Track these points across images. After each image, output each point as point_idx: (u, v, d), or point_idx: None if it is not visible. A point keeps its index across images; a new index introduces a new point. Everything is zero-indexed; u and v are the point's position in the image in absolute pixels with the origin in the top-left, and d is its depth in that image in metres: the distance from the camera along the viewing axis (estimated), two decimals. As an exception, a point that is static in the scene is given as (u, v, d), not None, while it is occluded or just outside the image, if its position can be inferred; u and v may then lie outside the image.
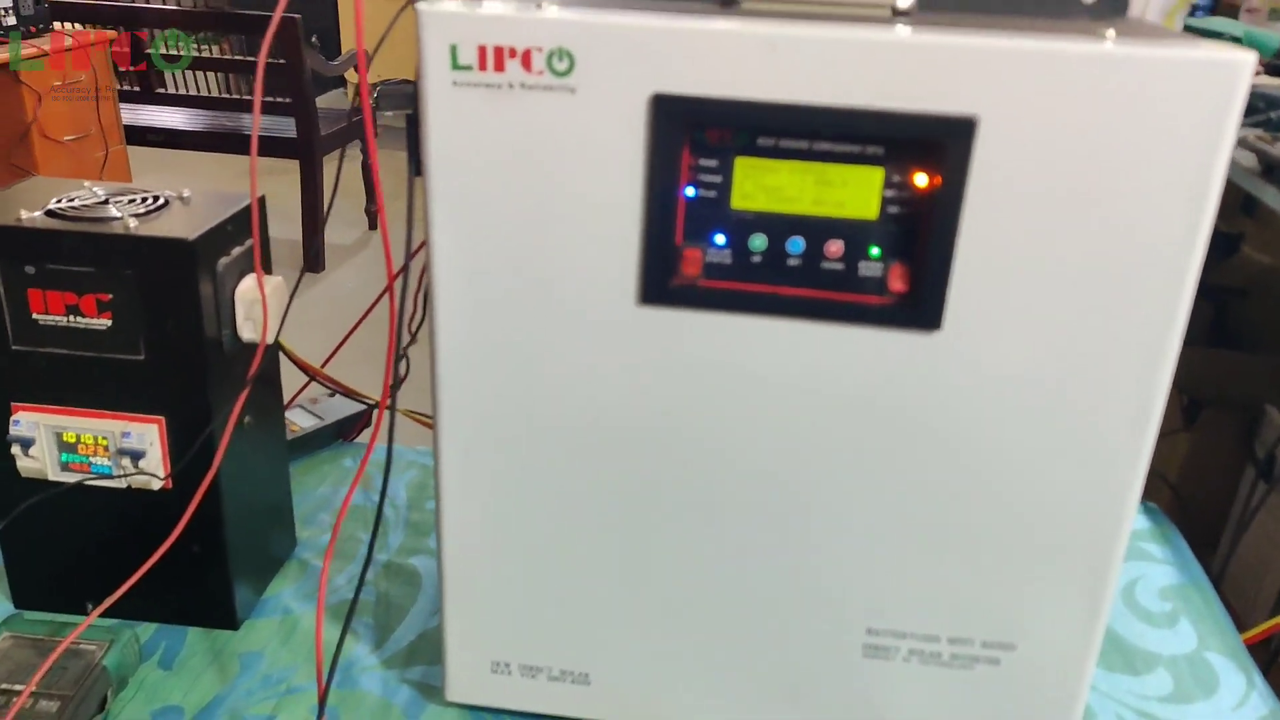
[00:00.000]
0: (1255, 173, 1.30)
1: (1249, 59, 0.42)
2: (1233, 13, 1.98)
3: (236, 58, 3.48)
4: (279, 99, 3.22)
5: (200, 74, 3.35)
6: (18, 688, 0.54)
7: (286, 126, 3.24)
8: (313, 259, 3.28)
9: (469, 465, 0.55)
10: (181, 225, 0.59)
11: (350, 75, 3.68)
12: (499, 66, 0.46)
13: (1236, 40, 1.37)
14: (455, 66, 0.46)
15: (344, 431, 0.91)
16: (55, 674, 0.56)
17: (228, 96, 3.57)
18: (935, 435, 0.51)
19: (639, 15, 0.45)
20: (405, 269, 0.53)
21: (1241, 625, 0.77)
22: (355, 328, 0.77)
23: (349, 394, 0.85)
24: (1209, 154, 0.43)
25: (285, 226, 3.34)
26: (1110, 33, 0.44)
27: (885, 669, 0.57)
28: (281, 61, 3.06)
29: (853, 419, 0.51)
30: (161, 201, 0.62)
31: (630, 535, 0.55)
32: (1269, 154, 1.23)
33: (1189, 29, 1.36)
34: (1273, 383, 1.53)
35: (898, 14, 0.49)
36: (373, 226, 3.58)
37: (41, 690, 0.54)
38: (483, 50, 0.46)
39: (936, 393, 0.50)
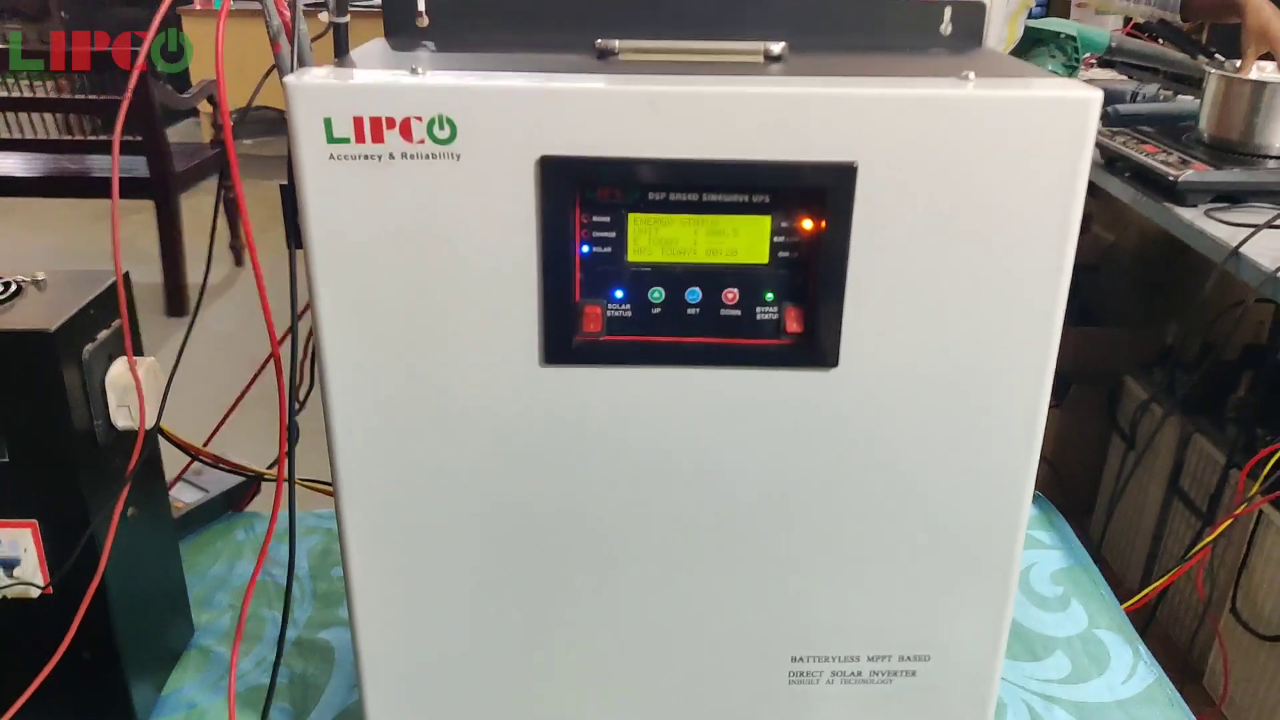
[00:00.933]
0: (1098, 164, 1.39)
1: (1097, 95, 0.45)
2: (1065, 11, 2.11)
3: (78, 97, 3.27)
4: (127, 137, 3.05)
5: (34, 115, 3.12)
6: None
7: (137, 165, 3.07)
8: (177, 303, 3.11)
9: (375, 537, 0.53)
10: (38, 314, 0.55)
11: (204, 106, 3.52)
12: (377, 137, 0.45)
13: (1071, 38, 1.46)
14: (331, 140, 0.45)
15: (233, 501, 0.87)
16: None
17: (69, 138, 3.35)
18: (840, 467, 0.52)
19: (519, 77, 0.45)
20: (292, 335, 0.51)
21: (1120, 583, 0.82)
22: (237, 402, 0.74)
23: (236, 470, 0.81)
24: (1070, 180, 0.46)
25: (143, 269, 3.16)
26: (971, 74, 0.46)
27: (809, 693, 0.58)
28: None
29: (760, 458, 0.52)
30: (14, 289, 0.58)
31: (550, 587, 0.55)
32: (1109, 147, 1.31)
33: (1029, 30, 1.44)
34: (1129, 354, 1.64)
35: (770, 59, 0.51)
36: (239, 263, 3.44)
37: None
38: (359, 121, 0.45)
39: (838, 426, 0.51)
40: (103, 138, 3.08)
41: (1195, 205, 1.12)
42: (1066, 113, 0.45)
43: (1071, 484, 1.73)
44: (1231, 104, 1.19)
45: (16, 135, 3.14)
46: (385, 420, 0.51)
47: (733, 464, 0.52)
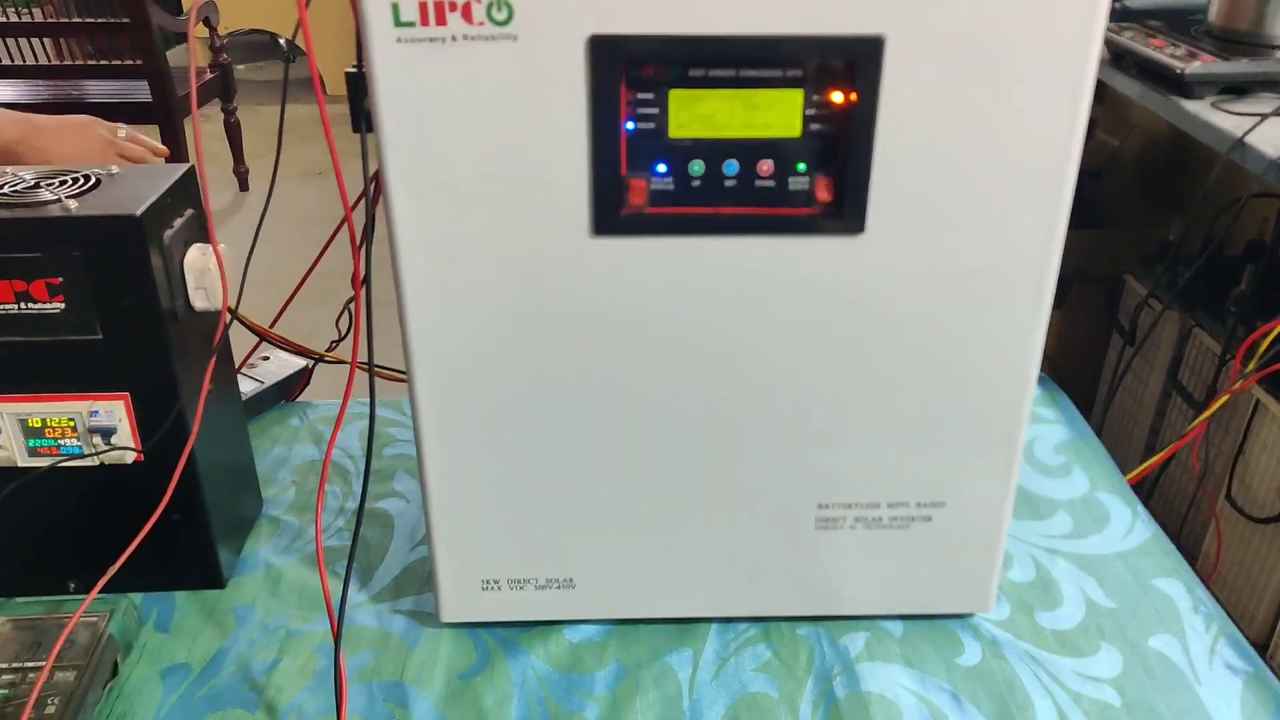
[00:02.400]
0: (1105, 61, 1.41)
1: (1108, -36, 0.48)
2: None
3: (76, 20, 3.24)
4: (125, 61, 3.03)
5: (25, 41, 3.09)
6: (30, 664, 0.56)
7: (136, 90, 3.06)
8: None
9: (445, 402, 0.58)
10: (123, 201, 0.59)
11: (199, 29, 3.48)
12: (440, 20, 0.49)
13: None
14: (398, 24, 0.49)
15: (285, 392, 0.92)
16: (64, 648, 0.58)
17: (66, 64, 3.34)
18: (866, 326, 0.57)
19: (569, -39, 0.48)
20: (369, 236, 0.55)
21: (1122, 469, 0.88)
22: (302, 283, 0.79)
23: (300, 352, 0.87)
24: (1083, 47, 0.49)
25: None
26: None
27: (834, 538, 0.64)
28: (124, 21, 2.88)
29: (792, 319, 0.57)
30: (93, 180, 0.62)
31: (599, 446, 0.60)
32: (1117, 42, 1.33)
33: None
34: (1130, 254, 1.68)
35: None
36: (244, 188, 3.45)
37: (56, 663, 0.56)
38: (424, 6, 0.48)
39: (865, 289, 0.56)
40: (100, 62, 3.06)
41: (1202, 98, 1.15)
42: (1078, -15, 0.48)
43: (1073, 380, 1.78)
44: (1240, -5, 1.20)
45: (10, 63, 3.12)
46: (451, 290, 0.55)
47: (766, 327, 0.57)
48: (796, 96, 0.52)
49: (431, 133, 0.51)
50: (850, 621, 0.67)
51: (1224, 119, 1.09)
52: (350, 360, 0.59)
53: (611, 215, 0.53)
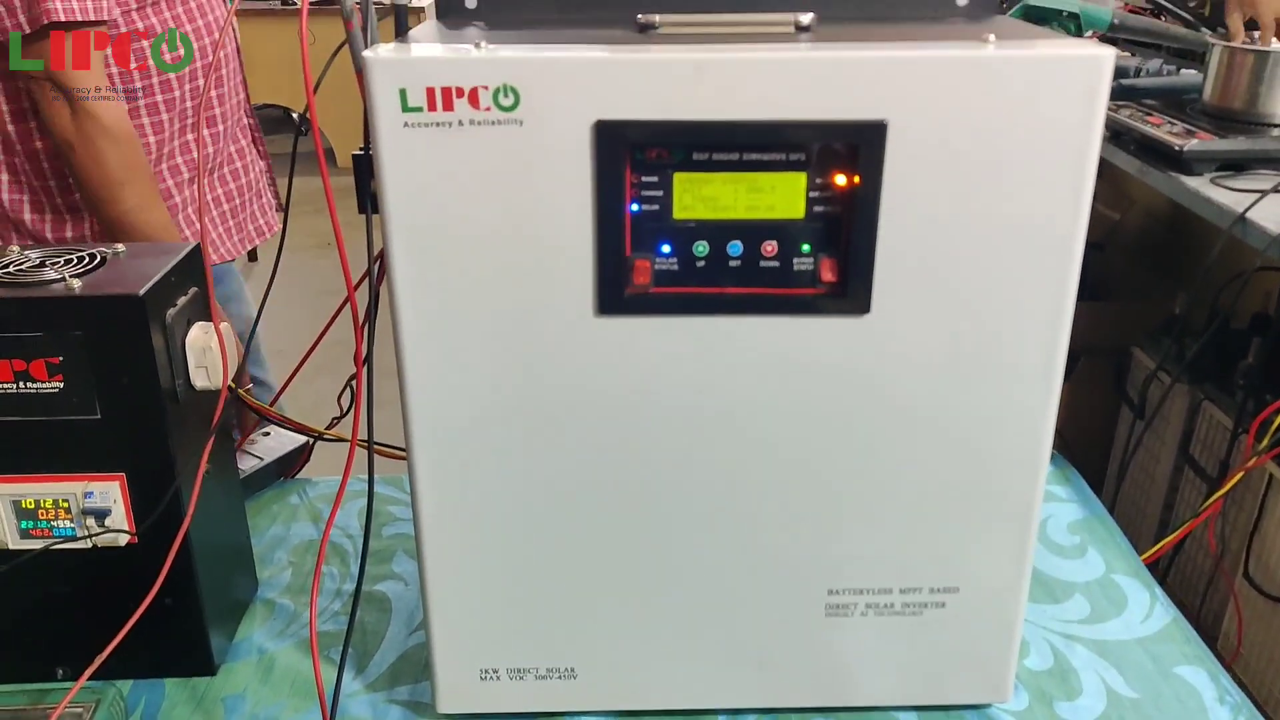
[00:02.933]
0: (1104, 137, 1.42)
1: (1110, 53, 0.49)
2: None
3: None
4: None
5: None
6: (11, 759, 0.54)
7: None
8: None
9: (445, 483, 0.57)
10: (127, 280, 0.59)
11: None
12: (448, 106, 0.49)
13: (1074, 15, 1.49)
14: (406, 109, 0.49)
15: (285, 469, 0.91)
16: (47, 741, 0.56)
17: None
18: (873, 407, 0.56)
19: (575, 49, 0.49)
20: (372, 314, 0.55)
21: (1137, 549, 0.86)
22: (305, 359, 0.78)
23: (300, 430, 0.86)
24: (1085, 132, 0.50)
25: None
26: (991, 37, 0.50)
27: (845, 625, 0.62)
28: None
29: (798, 400, 0.56)
30: (98, 259, 0.62)
31: (603, 530, 0.59)
32: (1115, 120, 1.35)
33: (1031, 8, 1.47)
34: (1136, 326, 1.68)
35: (801, 29, 0.55)
36: (253, 259, 3.48)
37: (37, 758, 0.54)
38: (430, 92, 0.49)
39: (871, 369, 0.55)
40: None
41: (1201, 174, 1.16)
42: (1081, 70, 0.48)
43: (1082, 457, 1.76)
44: (1235, 74, 1.23)
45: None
46: (455, 371, 0.55)
47: (772, 407, 0.56)
48: (800, 179, 0.52)
49: (436, 214, 0.51)
50: (862, 713, 0.65)
51: (1224, 195, 1.09)
52: (350, 438, 0.58)
53: (616, 295, 0.53)
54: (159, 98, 1.06)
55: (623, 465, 0.57)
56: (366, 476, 0.61)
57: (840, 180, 0.52)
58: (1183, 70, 1.56)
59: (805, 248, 0.53)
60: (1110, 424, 1.72)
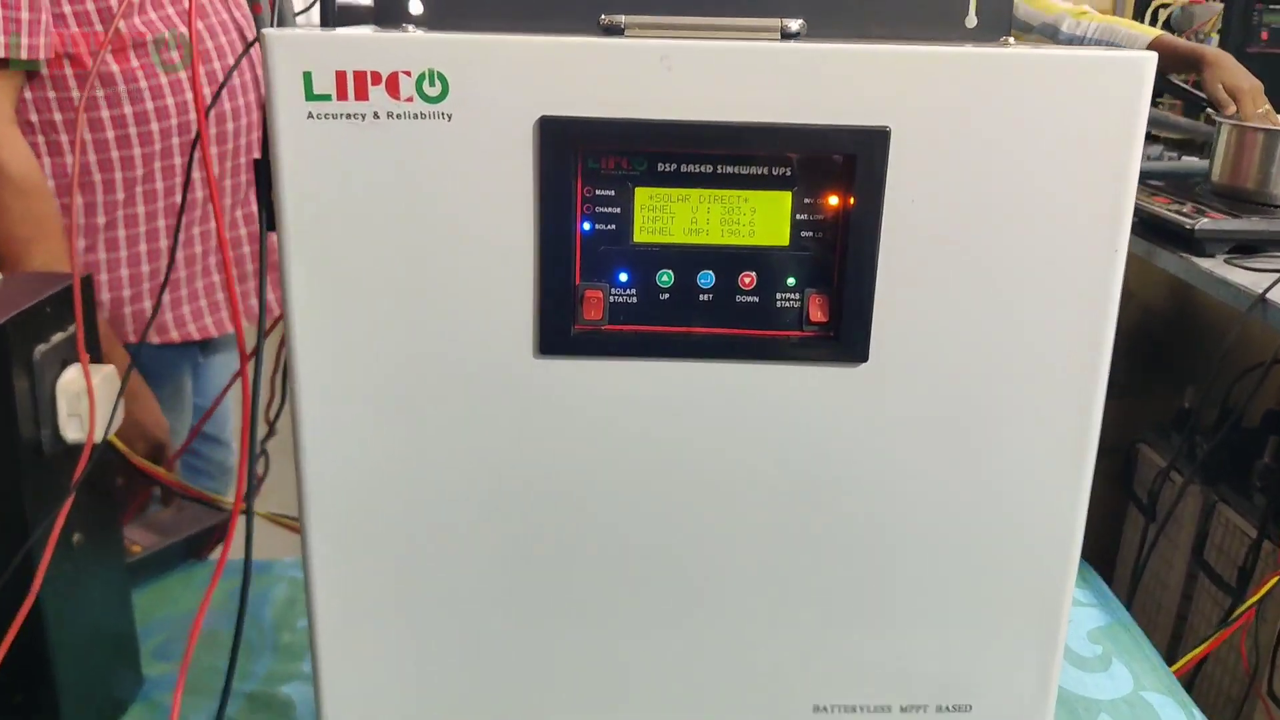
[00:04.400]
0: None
1: (1152, 56, 0.41)
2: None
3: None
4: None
5: None
6: None
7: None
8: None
9: (345, 560, 0.47)
10: (-14, 308, 0.50)
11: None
12: (361, 94, 0.41)
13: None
14: (310, 97, 0.41)
15: (195, 548, 0.80)
16: None
17: None
18: (870, 482, 0.46)
19: (518, 34, 0.41)
20: (258, 349, 0.46)
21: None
22: (204, 420, 0.68)
23: (202, 500, 0.75)
24: (1124, 149, 0.41)
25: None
26: (1011, 40, 0.43)
27: (835, 749, 0.51)
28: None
29: (778, 467, 0.46)
30: (-39, 285, 0.53)
31: (542, 621, 0.48)
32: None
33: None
34: (1142, 421, 1.59)
35: (787, 36, 0.47)
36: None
37: None
38: (341, 76, 0.41)
39: (868, 433, 0.46)
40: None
41: (1213, 255, 1.09)
42: (1119, 73, 0.41)
43: (1089, 556, 1.66)
44: (1245, 153, 1.18)
45: None
46: (360, 421, 0.45)
47: (747, 475, 0.46)
48: (784, 199, 0.43)
49: (343, 229, 0.42)
50: None
51: (1241, 275, 1.02)
52: (235, 505, 0.48)
53: (561, 332, 0.44)
54: (112, 154, 0.96)
55: (563, 544, 0.47)
56: (285, 561, 0.50)
57: (833, 200, 0.43)
58: (1184, 158, 1.52)
59: (790, 281, 0.44)
60: (1117, 525, 1.62)
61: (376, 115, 0.41)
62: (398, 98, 0.41)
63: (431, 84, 0.41)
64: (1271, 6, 1.56)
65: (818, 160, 0.43)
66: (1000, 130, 0.41)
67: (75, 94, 0.92)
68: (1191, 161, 1.49)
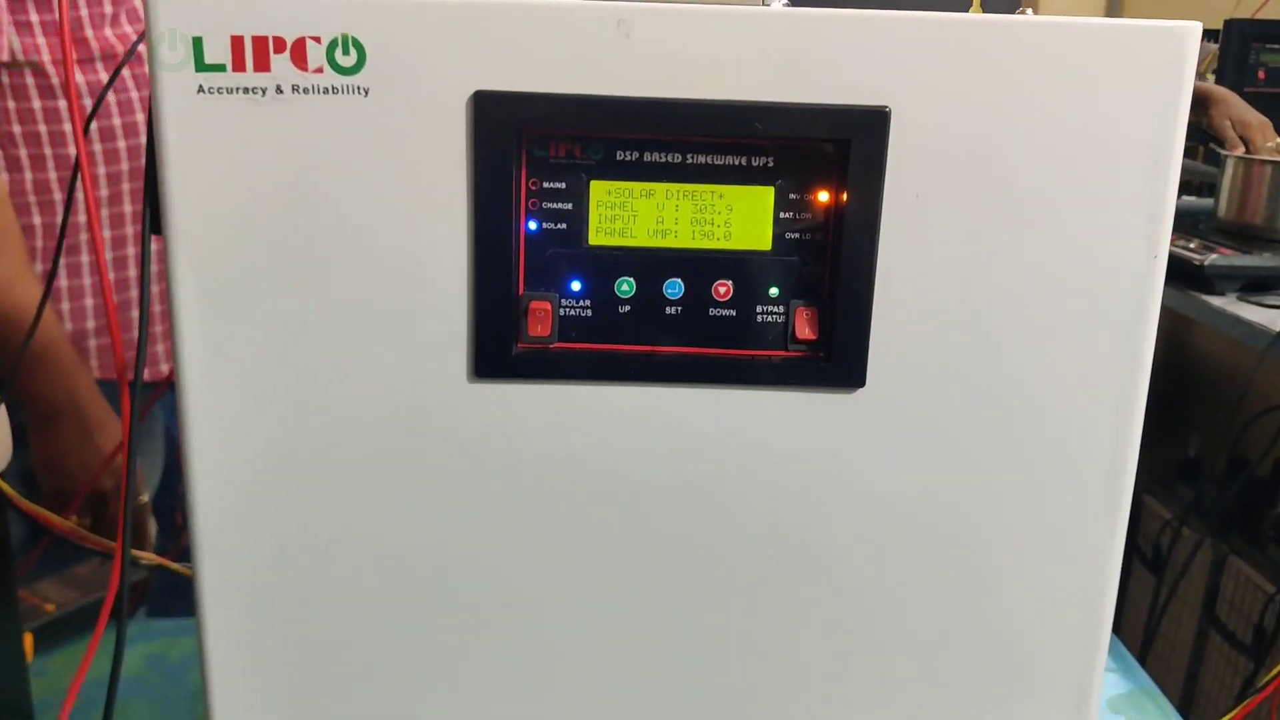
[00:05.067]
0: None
1: (1197, 26, 0.35)
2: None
3: None
4: None
5: None
6: None
7: None
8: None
9: (241, 619, 0.39)
10: None
11: None
12: (261, 64, 0.34)
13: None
14: (201, 67, 0.34)
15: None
16: None
17: None
18: (865, 523, 0.40)
19: None
20: (137, 374, 0.38)
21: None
22: (110, 459, 0.61)
23: (108, 551, 0.67)
24: (1166, 136, 0.35)
25: None
26: (1029, 10, 0.37)
27: None
28: None
29: (757, 516, 0.39)
30: None
31: (478, 691, 0.40)
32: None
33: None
34: (1143, 471, 1.53)
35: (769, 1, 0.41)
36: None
37: None
38: (238, 43, 0.34)
39: (865, 473, 0.39)
40: None
41: (1224, 293, 1.04)
42: (1160, 45, 0.34)
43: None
44: (1252, 187, 1.13)
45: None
46: (262, 459, 0.38)
47: (720, 524, 0.39)
48: (766, 194, 0.37)
49: (241, 228, 0.36)
50: None
51: (1256, 313, 0.97)
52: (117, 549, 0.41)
53: (501, 352, 0.37)
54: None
55: (507, 614, 0.40)
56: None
57: (823, 196, 0.37)
58: (1184, 197, 1.48)
59: (773, 291, 0.38)
60: (1121, 578, 1.54)
61: (280, 89, 0.34)
62: (305, 68, 0.34)
63: (345, 52, 0.34)
64: (1269, 46, 1.53)
65: (805, 147, 0.36)
66: (1018, 112, 0.35)
67: (37, 104, 0.86)
68: (1192, 200, 1.45)
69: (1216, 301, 1.01)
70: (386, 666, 0.40)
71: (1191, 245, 1.08)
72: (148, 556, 0.68)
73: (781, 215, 0.37)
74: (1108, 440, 0.39)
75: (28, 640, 0.60)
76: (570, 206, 0.37)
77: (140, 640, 0.70)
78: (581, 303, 0.38)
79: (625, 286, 0.37)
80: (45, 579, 0.71)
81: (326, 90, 0.34)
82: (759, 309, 0.38)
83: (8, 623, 0.55)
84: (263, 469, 0.38)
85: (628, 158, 0.37)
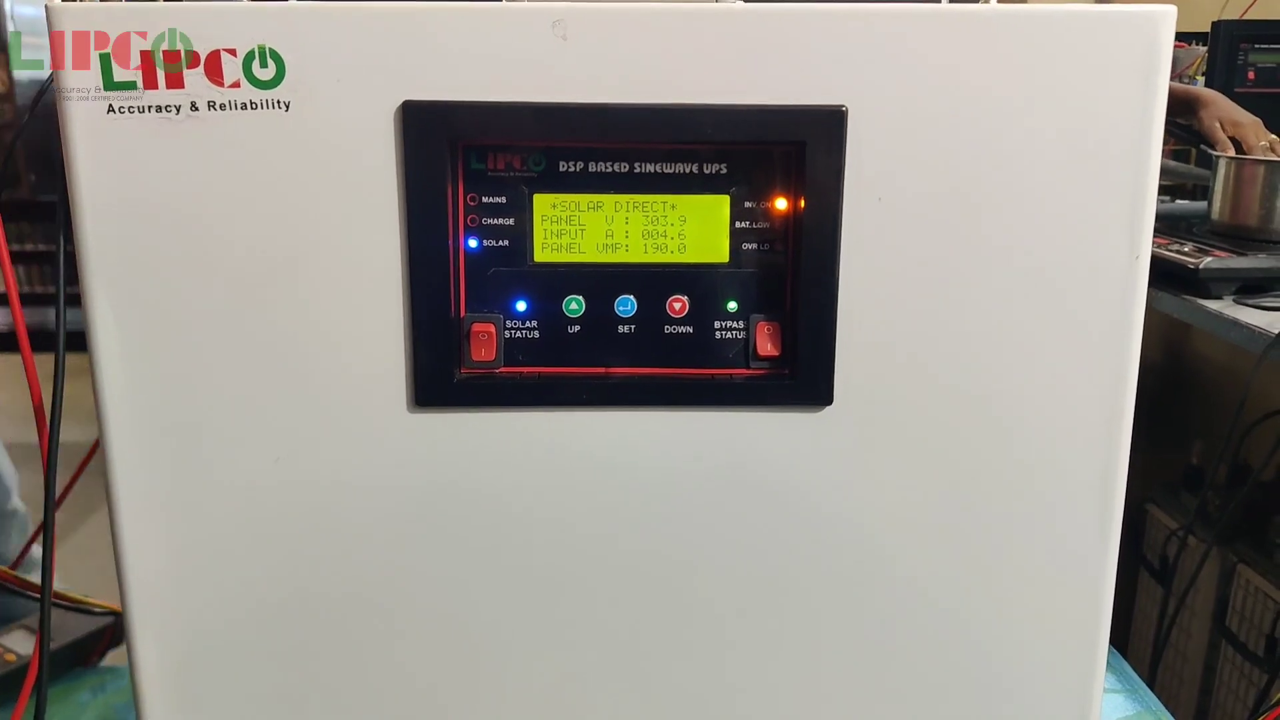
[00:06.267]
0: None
1: (1171, 10, 0.33)
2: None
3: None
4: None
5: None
6: None
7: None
8: None
9: (172, 661, 0.37)
10: None
11: None
12: (174, 81, 0.32)
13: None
14: (111, 85, 0.32)
15: (84, 654, 0.69)
16: None
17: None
18: (835, 552, 0.37)
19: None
20: (56, 403, 0.36)
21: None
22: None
23: (69, 604, 0.65)
24: (1142, 130, 0.33)
25: None
26: (992, 0, 0.34)
27: None
28: None
29: (724, 544, 0.37)
30: None
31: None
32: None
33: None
34: (1146, 480, 1.50)
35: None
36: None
37: None
38: (148, 59, 0.32)
39: (837, 495, 0.36)
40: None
41: (1220, 296, 1.01)
42: (1131, 29, 0.32)
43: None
44: (1246, 188, 1.10)
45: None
46: (186, 493, 0.35)
47: (683, 556, 0.37)
48: (721, 204, 0.35)
49: (159, 253, 0.33)
50: None
51: (1254, 315, 0.94)
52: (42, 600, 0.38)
53: (441, 379, 0.35)
54: None
55: (452, 630, 0.37)
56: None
57: (780, 203, 0.35)
58: (1177, 201, 1.46)
59: (732, 305, 0.35)
60: (1128, 591, 1.51)
61: (195, 107, 0.32)
62: (221, 83, 0.32)
63: (263, 64, 0.32)
64: (1258, 46, 1.50)
65: (760, 152, 0.34)
66: (986, 107, 0.33)
67: None
68: (1184, 204, 1.43)
69: (1213, 305, 0.99)
70: (329, 712, 0.37)
71: (1186, 249, 1.05)
72: (103, 604, 0.65)
73: (738, 225, 0.35)
74: (1096, 449, 0.36)
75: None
76: (512, 222, 0.35)
77: (111, 687, 0.67)
78: (528, 324, 0.35)
79: (574, 305, 0.35)
80: (6, 627, 0.69)
81: (245, 106, 0.32)
82: (717, 325, 0.35)
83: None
84: (189, 509, 0.35)
85: (572, 168, 0.34)
